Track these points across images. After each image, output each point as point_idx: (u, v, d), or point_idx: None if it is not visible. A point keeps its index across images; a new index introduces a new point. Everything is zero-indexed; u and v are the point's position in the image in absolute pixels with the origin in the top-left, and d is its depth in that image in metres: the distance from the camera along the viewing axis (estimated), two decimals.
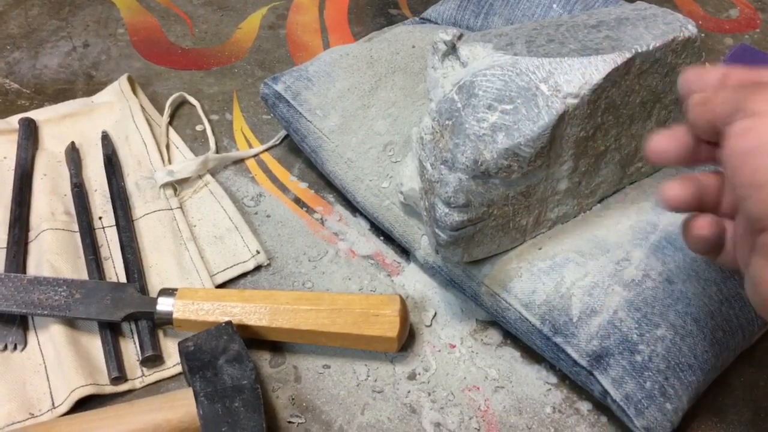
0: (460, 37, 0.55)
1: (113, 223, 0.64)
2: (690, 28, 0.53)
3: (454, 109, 0.50)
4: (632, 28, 0.53)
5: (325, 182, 0.69)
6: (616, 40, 0.52)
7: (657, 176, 0.60)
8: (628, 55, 0.49)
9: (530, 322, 0.53)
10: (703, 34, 0.88)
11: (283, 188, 0.69)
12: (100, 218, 0.65)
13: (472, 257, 0.54)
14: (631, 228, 0.55)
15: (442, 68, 0.54)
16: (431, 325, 0.59)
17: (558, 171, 0.52)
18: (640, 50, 0.50)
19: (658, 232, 0.54)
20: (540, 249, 0.54)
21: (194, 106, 0.76)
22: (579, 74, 0.48)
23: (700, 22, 0.90)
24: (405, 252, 0.64)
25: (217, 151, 0.72)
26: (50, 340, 0.55)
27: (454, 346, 0.58)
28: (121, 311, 0.55)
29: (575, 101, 0.48)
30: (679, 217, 0.55)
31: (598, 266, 0.52)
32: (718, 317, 0.51)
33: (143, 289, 0.58)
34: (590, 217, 0.56)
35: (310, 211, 0.68)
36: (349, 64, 0.69)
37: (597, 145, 0.52)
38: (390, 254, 0.64)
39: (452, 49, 0.54)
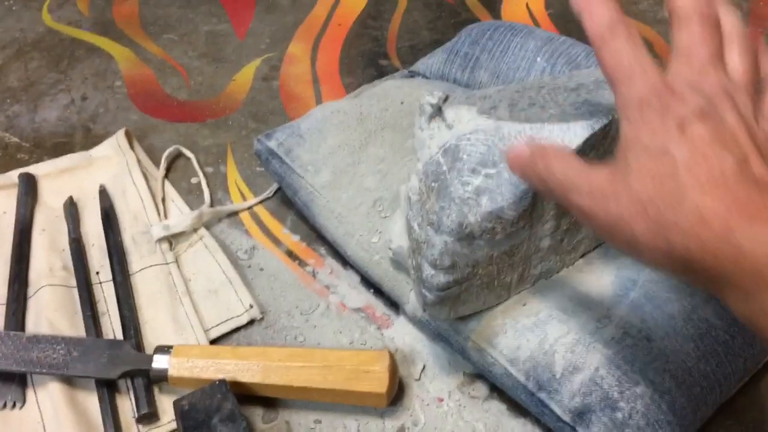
0: (446, 99, 0.57)
1: (110, 278, 0.65)
2: None
3: (439, 172, 0.52)
4: (610, 92, 0.55)
5: (317, 235, 0.71)
6: (594, 104, 0.54)
7: None
8: (604, 121, 0.52)
9: (515, 378, 0.54)
10: None
11: (276, 241, 0.71)
12: (98, 273, 0.66)
13: (458, 314, 0.55)
14: (612, 284, 0.57)
15: (429, 129, 0.57)
16: (420, 378, 0.61)
17: (541, 230, 0.54)
18: (616, 115, 0.52)
19: (637, 288, 0.56)
20: (524, 305, 0.56)
21: (189, 158, 0.79)
22: (558, 140, 0.51)
23: None
24: (395, 304, 0.66)
25: (212, 204, 0.74)
26: (48, 398, 0.56)
27: (442, 400, 0.59)
28: (117, 369, 0.57)
29: None
30: (658, 273, 0.57)
31: (580, 323, 0.54)
32: (695, 373, 0.53)
33: (139, 346, 0.60)
34: (573, 273, 0.58)
35: (303, 263, 0.69)
36: (340, 121, 0.71)
37: None
38: (380, 307, 0.66)
39: (438, 111, 0.56)
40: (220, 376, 0.55)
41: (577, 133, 0.52)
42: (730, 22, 0.43)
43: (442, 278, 0.51)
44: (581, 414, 0.52)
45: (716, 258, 0.35)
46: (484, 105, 0.56)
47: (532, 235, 0.53)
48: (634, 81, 0.40)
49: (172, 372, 0.56)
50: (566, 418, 0.52)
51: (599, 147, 0.53)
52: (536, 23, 1.01)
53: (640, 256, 0.39)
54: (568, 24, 1.00)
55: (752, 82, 0.42)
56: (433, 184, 0.52)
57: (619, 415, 0.51)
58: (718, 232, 0.35)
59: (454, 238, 0.50)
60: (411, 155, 0.68)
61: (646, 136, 0.38)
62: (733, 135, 0.37)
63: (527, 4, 1.04)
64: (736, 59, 0.42)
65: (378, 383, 0.56)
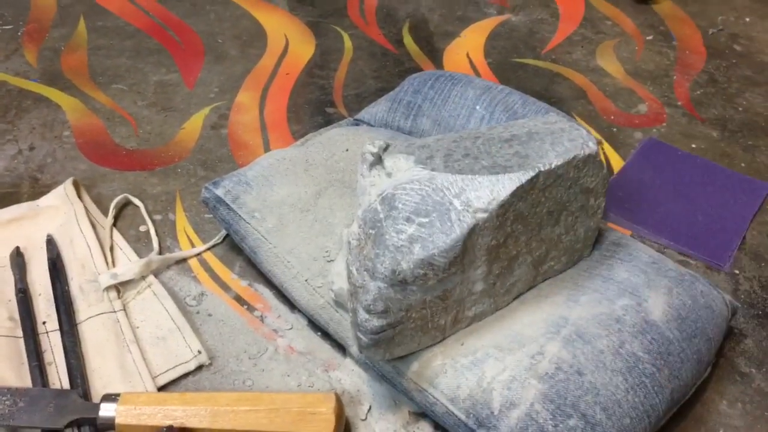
0: (386, 148, 0.60)
1: (57, 327, 0.66)
2: (590, 146, 0.59)
3: (376, 219, 0.55)
4: (540, 143, 0.59)
5: (265, 280, 0.73)
6: (523, 156, 0.58)
7: (569, 272, 0.65)
8: (531, 174, 0.55)
9: (456, 416, 0.56)
10: (614, 129, 0.97)
11: (225, 286, 0.73)
12: (44, 323, 0.67)
13: (393, 356, 0.58)
14: (545, 322, 0.60)
15: (370, 177, 0.59)
16: (366, 418, 0.62)
17: (473, 275, 0.56)
18: (543, 169, 0.56)
19: (569, 325, 0.59)
20: (462, 344, 0.59)
21: (138, 207, 0.80)
22: (488, 191, 0.54)
23: (612, 117, 0.99)
24: (341, 346, 0.67)
25: (160, 252, 0.75)
26: None
27: None
28: (63, 418, 0.57)
29: (485, 215, 0.53)
30: (588, 312, 0.60)
31: (515, 360, 0.57)
32: (624, 405, 0.56)
33: (86, 395, 0.60)
34: (507, 313, 0.61)
35: (251, 308, 0.71)
36: (286, 168, 0.74)
37: (509, 250, 0.58)
38: (327, 349, 0.67)
39: (378, 160, 0.59)
40: (168, 423, 0.56)
41: (505, 185, 0.55)
42: None
43: (375, 322, 0.53)
44: None
45: None
46: (422, 154, 0.59)
47: (464, 280, 0.56)
48: None
49: (119, 420, 0.57)
50: None
51: (526, 198, 0.56)
52: (476, 71, 1.05)
53: None
54: (506, 72, 1.05)
55: None
56: (370, 231, 0.55)
57: None
58: None
59: (387, 284, 0.52)
60: (356, 200, 0.70)
61: None
62: None
63: (468, 54, 1.09)
64: None
65: (325, 425, 0.57)
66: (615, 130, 0.96)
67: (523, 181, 0.55)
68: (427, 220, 0.53)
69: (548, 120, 0.64)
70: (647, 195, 0.86)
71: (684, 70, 1.09)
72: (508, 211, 0.55)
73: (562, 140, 0.60)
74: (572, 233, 0.63)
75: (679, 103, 1.02)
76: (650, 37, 1.15)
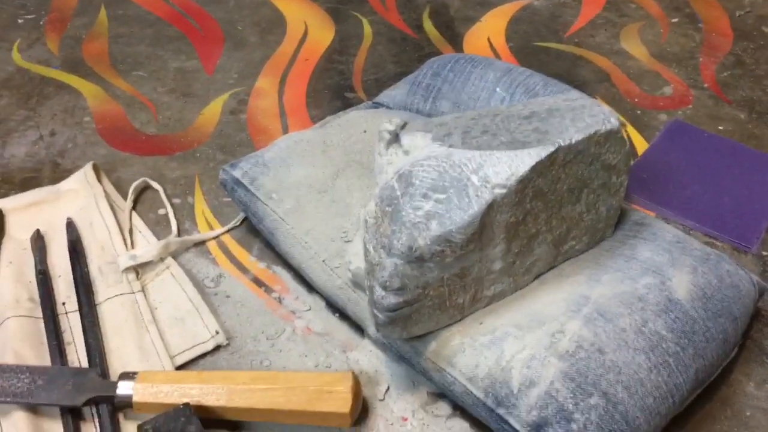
0: (403, 126, 0.59)
1: (76, 308, 0.66)
2: (612, 122, 0.58)
3: (393, 197, 0.54)
4: (560, 120, 0.58)
5: (283, 262, 0.73)
6: (543, 132, 0.57)
7: (591, 252, 0.64)
8: (551, 149, 0.54)
9: (475, 395, 0.56)
10: (638, 111, 0.95)
11: (243, 269, 0.73)
12: (64, 304, 0.67)
13: (411, 334, 0.57)
14: (565, 300, 0.59)
15: (387, 155, 0.59)
16: (384, 399, 0.62)
17: (492, 253, 0.55)
18: (563, 144, 0.55)
19: (590, 304, 0.58)
20: (481, 323, 0.58)
21: (157, 190, 0.80)
22: (506, 167, 0.53)
23: (637, 100, 0.97)
24: (359, 327, 0.67)
25: (179, 235, 0.75)
26: (13, 426, 0.56)
27: (406, 419, 0.60)
28: (82, 396, 0.57)
29: (503, 191, 0.52)
30: (610, 290, 0.59)
31: (534, 339, 0.56)
32: (647, 384, 0.54)
33: (104, 373, 0.60)
34: (527, 292, 0.60)
35: (269, 290, 0.71)
36: (304, 150, 0.73)
37: (528, 228, 0.57)
38: (344, 330, 0.67)
39: (396, 138, 0.59)
40: (185, 401, 0.56)
41: (524, 160, 0.54)
42: None
43: (392, 299, 0.53)
44: (538, 427, 0.53)
45: None
46: (440, 132, 0.58)
47: (483, 258, 0.55)
48: None
49: (137, 398, 0.57)
50: (524, 431, 0.53)
51: (546, 174, 0.55)
52: (497, 56, 1.04)
53: None
54: (528, 56, 1.04)
55: None
56: (387, 209, 0.54)
57: (575, 426, 0.52)
58: None
59: (404, 261, 0.52)
60: (373, 181, 0.70)
61: None
62: None
63: (488, 38, 1.08)
64: None
65: (341, 403, 0.56)
66: (639, 112, 0.95)
67: (543, 156, 0.54)
68: (444, 196, 0.52)
69: (569, 97, 0.63)
70: (672, 177, 0.84)
71: (710, 52, 1.06)
72: (527, 187, 0.54)
73: (583, 116, 0.58)
74: (594, 212, 0.61)
75: (706, 85, 0.99)
76: (675, 20, 1.13)
